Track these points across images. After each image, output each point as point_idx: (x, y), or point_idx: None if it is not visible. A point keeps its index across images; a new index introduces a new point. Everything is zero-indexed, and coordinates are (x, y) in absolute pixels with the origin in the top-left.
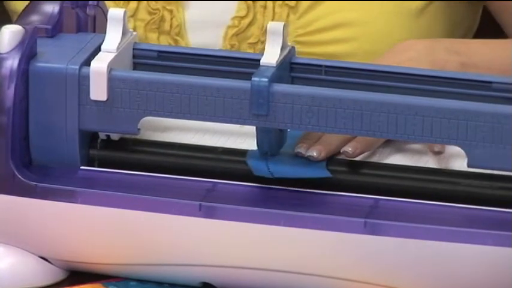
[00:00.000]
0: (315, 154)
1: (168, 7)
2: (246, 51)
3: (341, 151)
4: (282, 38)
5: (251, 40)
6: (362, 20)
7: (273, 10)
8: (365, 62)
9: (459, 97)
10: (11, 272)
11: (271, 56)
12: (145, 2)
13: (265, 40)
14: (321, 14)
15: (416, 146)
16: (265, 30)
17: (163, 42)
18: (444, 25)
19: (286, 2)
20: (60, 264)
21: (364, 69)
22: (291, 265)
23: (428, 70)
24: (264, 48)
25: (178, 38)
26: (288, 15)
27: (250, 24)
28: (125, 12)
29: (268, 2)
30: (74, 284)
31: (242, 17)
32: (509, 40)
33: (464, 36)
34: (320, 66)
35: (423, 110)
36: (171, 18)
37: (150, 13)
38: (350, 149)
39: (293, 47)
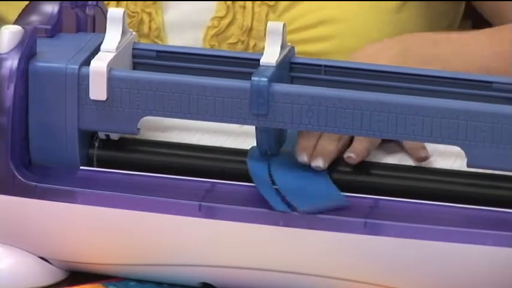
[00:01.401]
0: (321, 164)
1: (147, 10)
2: None
3: (345, 157)
4: (281, 37)
5: (231, 40)
6: (341, 17)
7: (252, 10)
8: (346, 59)
9: (459, 97)
10: (10, 272)
11: (270, 56)
12: (125, 4)
13: (246, 40)
14: (300, 13)
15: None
16: (245, 30)
17: None
18: (424, 21)
19: (265, 1)
20: (59, 265)
21: (364, 69)
22: (290, 265)
23: (429, 70)
24: (244, 48)
25: (157, 40)
26: (267, 15)
27: (229, 24)
28: (124, 12)
29: (247, 1)
30: (73, 284)
31: (221, 17)
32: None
33: (447, 27)
34: (320, 66)
35: (423, 110)
36: (150, 21)
37: (129, 16)
38: (353, 155)
39: (293, 47)
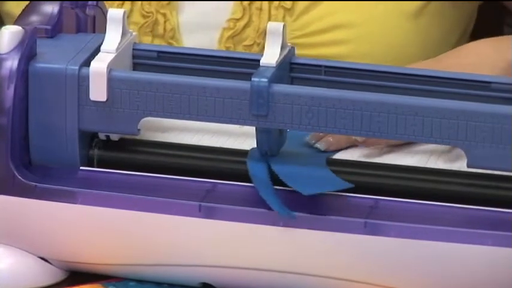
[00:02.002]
0: (321, 147)
1: (162, 10)
2: None
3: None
4: (281, 38)
5: (246, 42)
6: (358, 21)
7: (269, 12)
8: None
9: (458, 97)
10: (10, 272)
11: (270, 56)
12: (139, 4)
13: (261, 42)
14: (317, 16)
15: (417, 147)
16: (261, 32)
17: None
18: (442, 26)
19: (282, 3)
20: (59, 265)
21: (364, 70)
22: (290, 265)
23: (428, 70)
24: (260, 50)
25: (172, 41)
26: (284, 17)
27: (245, 26)
28: (124, 13)
29: (263, 3)
30: (73, 285)
31: (237, 19)
32: None
33: (461, 37)
34: (320, 66)
35: (423, 111)
36: (165, 22)
37: (143, 16)
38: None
39: (293, 47)
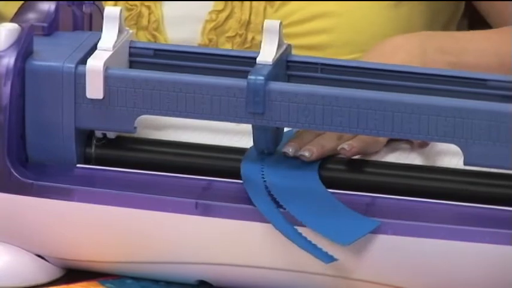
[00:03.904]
0: (307, 155)
1: (146, 3)
2: (224, 45)
3: (338, 148)
4: (278, 36)
5: (229, 34)
6: (339, 10)
7: (250, 3)
8: (344, 52)
9: (455, 95)
10: (7, 270)
11: (267, 54)
12: None
13: (244, 33)
14: (298, 6)
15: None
16: (243, 23)
17: (142, 38)
18: (424, 14)
19: None
20: (56, 262)
21: (361, 67)
22: (287, 263)
23: (425, 68)
24: (242, 42)
25: (156, 33)
26: (265, 8)
27: (227, 18)
28: (121, 11)
29: None
30: (70, 282)
31: (219, 11)
32: (498, 30)
33: (446, 23)
34: (316, 64)
35: (419, 108)
36: (149, 14)
37: (128, 9)
38: (346, 146)
39: (289, 45)
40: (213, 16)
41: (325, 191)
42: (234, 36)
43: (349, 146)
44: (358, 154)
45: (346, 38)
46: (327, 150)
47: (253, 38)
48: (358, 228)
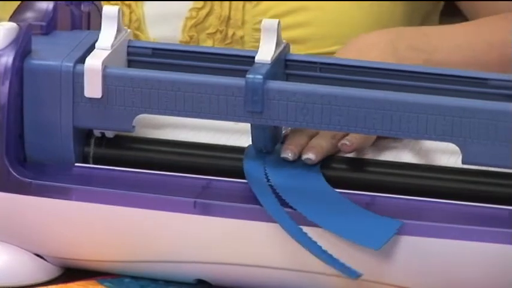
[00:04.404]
0: (312, 157)
1: (127, 2)
2: (206, 41)
3: (339, 144)
4: (276, 35)
5: (210, 30)
6: (317, 3)
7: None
8: (324, 45)
9: (454, 94)
10: (5, 269)
11: (265, 53)
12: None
13: (224, 30)
14: (276, 1)
15: (413, 143)
16: (224, 19)
17: None
18: (402, 8)
19: None
20: (54, 261)
21: (359, 67)
22: (286, 262)
23: (424, 67)
24: (222, 38)
25: (138, 32)
26: (244, 4)
27: (208, 14)
28: (119, 10)
29: None
30: (68, 281)
31: (199, 8)
32: (474, 23)
33: (426, 16)
34: (315, 63)
35: (418, 108)
36: (130, 13)
37: None
38: (347, 142)
39: (288, 44)
40: (193, 13)
41: (334, 191)
42: (214, 33)
43: (350, 142)
44: (356, 150)
45: (325, 31)
46: (326, 150)
47: (233, 34)
48: (381, 229)
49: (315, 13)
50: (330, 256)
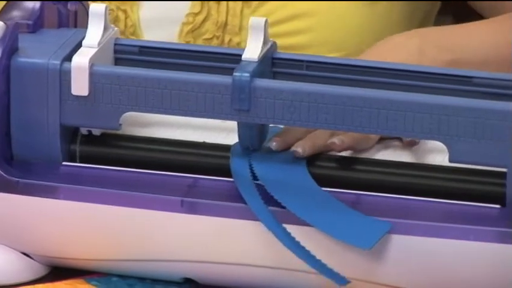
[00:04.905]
0: (299, 150)
1: (122, 7)
2: None
3: (328, 142)
4: (263, 33)
5: (206, 36)
6: (316, 9)
7: (227, 5)
8: (323, 51)
9: (441, 92)
10: None
11: (253, 51)
12: (100, 1)
13: (221, 35)
14: (274, 7)
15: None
16: (220, 25)
17: None
18: (401, 11)
19: None
20: (42, 260)
21: (346, 65)
22: (273, 261)
23: (410, 65)
24: (219, 44)
25: (133, 37)
26: (242, 10)
27: (204, 20)
28: (106, 8)
29: None
30: (56, 280)
31: (196, 14)
32: (496, 20)
33: (423, 20)
34: (302, 61)
35: (405, 105)
36: (126, 18)
37: None
38: (336, 140)
39: (275, 42)
40: (190, 19)
41: (320, 189)
42: (211, 39)
43: (340, 141)
44: (348, 150)
45: (323, 38)
46: (318, 146)
47: (230, 40)
48: (372, 229)
49: (313, 19)
50: (315, 259)
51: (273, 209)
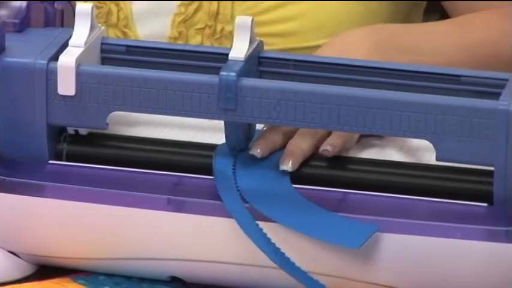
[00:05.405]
0: (289, 168)
1: (115, 0)
2: (194, 37)
3: (320, 150)
4: (250, 32)
5: (198, 26)
6: None
7: None
8: (312, 38)
9: (427, 91)
10: None
11: (239, 50)
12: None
13: (213, 25)
14: None
15: (385, 140)
16: (212, 15)
17: (112, 35)
18: (390, 8)
19: None
20: (29, 259)
21: (333, 63)
22: (260, 259)
23: (397, 64)
24: (211, 33)
25: (126, 30)
26: None
27: (196, 10)
28: (92, 7)
29: None
30: (43, 278)
31: (188, 4)
32: (457, 21)
33: (411, 11)
34: (288, 60)
35: (391, 104)
36: (118, 11)
37: (97, 7)
38: (329, 147)
39: (261, 41)
40: (182, 9)
41: (300, 196)
42: (203, 28)
43: (332, 146)
44: (339, 153)
45: (312, 25)
46: (307, 150)
47: (222, 29)
48: (358, 230)
49: (303, 6)
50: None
51: (250, 207)
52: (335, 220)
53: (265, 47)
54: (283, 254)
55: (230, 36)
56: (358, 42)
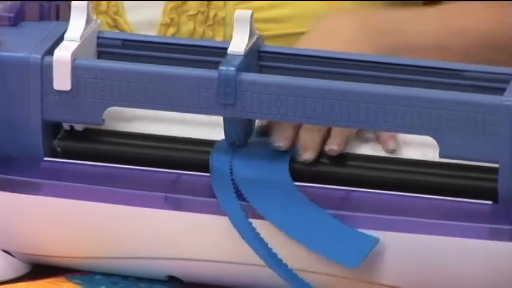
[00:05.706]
0: (311, 158)
1: None
2: (187, 23)
3: (326, 150)
4: (249, 26)
5: (191, 12)
6: None
7: None
8: (304, 24)
9: (430, 86)
10: None
11: (238, 45)
12: None
13: (205, 10)
14: None
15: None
16: (205, 0)
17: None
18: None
19: None
20: (23, 258)
21: (332, 58)
22: (257, 258)
23: (400, 59)
24: (204, 20)
25: (116, 17)
26: None
27: None
28: (88, 1)
29: None
30: (37, 278)
31: None
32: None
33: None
34: (289, 54)
35: (394, 100)
36: None
37: None
38: (335, 147)
39: (261, 35)
40: None
41: (300, 194)
42: (195, 15)
43: (337, 145)
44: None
45: (307, 10)
46: (319, 144)
47: (215, 15)
48: (357, 242)
49: None
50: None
51: (246, 205)
52: (334, 227)
53: (259, 33)
54: (271, 251)
55: (223, 22)
56: (343, 26)
